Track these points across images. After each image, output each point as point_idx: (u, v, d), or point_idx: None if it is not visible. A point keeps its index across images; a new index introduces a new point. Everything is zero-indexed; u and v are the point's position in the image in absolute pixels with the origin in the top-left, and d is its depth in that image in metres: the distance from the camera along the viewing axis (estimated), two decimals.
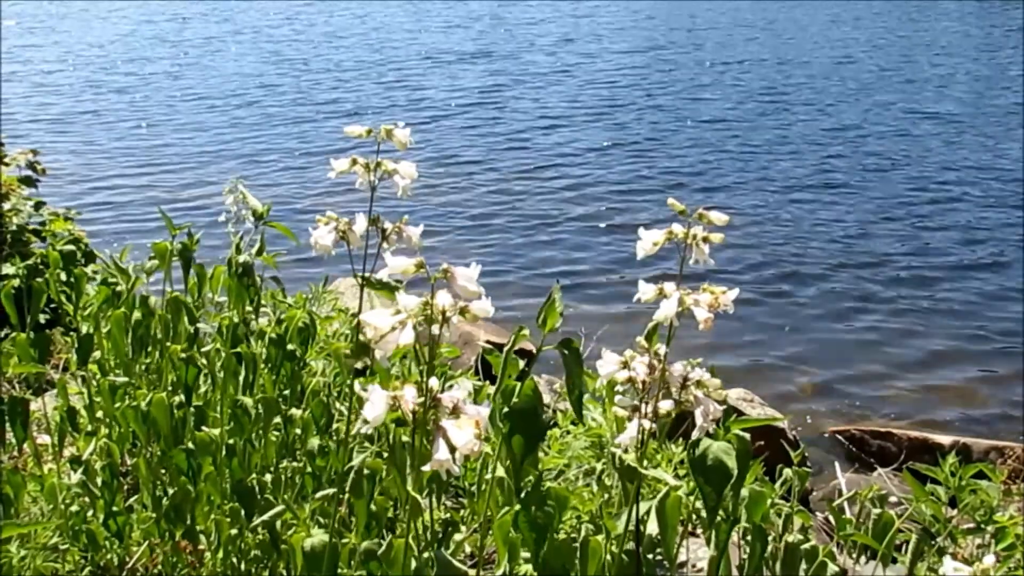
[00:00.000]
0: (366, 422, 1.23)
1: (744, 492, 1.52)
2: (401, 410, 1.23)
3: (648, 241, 1.36)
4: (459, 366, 4.02)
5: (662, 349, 1.38)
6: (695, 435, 1.34)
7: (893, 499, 2.68)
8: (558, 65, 13.39)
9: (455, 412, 1.22)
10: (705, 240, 1.35)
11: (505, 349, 1.34)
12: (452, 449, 1.19)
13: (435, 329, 1.23)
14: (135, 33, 16.45)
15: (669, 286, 1.33)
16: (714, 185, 8.25)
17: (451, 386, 1.31)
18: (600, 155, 9.11)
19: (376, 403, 1.22)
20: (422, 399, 1.24)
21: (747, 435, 1.35)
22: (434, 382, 1.24)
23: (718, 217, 1.35)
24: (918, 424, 4.72)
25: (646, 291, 1.34)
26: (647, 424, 1.39)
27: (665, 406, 1.38)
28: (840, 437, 4.64)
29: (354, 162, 1.75)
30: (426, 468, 1.21)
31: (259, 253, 1.92)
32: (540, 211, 7.66)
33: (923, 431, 4.54)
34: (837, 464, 4.14)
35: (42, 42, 15.51)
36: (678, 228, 1.35)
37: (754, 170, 8.61)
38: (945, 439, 4.34)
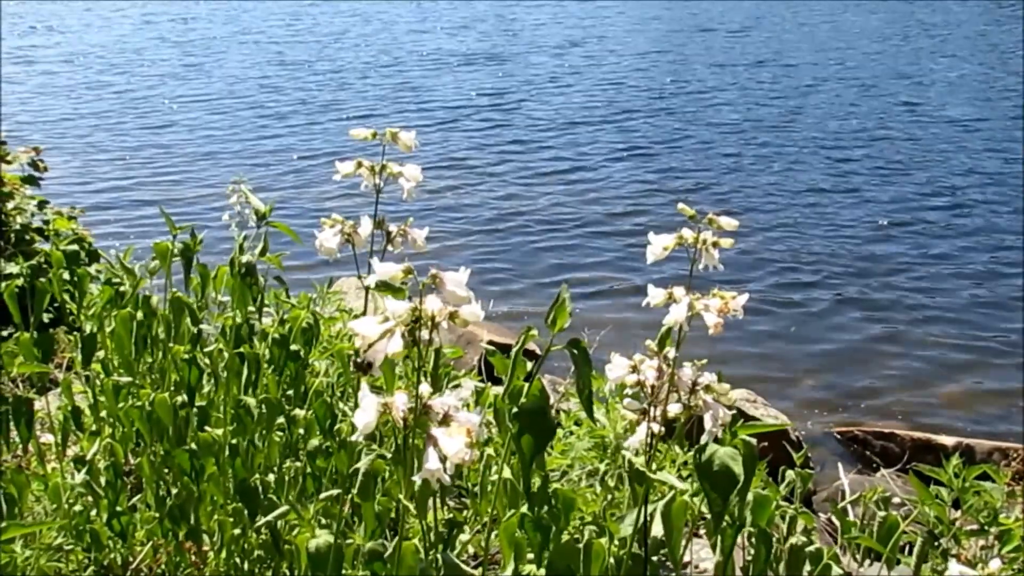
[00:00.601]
0: (357, 429, 1.23)
1: (749, 496, 1.52)
2: (392, 417, 1.23)
3: (658, 246, 1.36)
4: (462, 366, 4.03)
5: (671, 353, 1.37)
6: (704, 439, 1.34)
7: (896, 500, 2.67)
8: (565, 68, 13.35)
9: (446, 420, 1.21)
10: (715, 245, 1.35)
11: (514, 350, 1.34)
12: (443, 458, 1.18)
13: (425, 335, 1.23)
14: (138, 34, 16.45)
15: (679, 291, 1.33)
16: (724, 189, 8.24)
17: (457, 386, 1.31)
18: (609, 160, 9.09)
19: (366, 409, 1.22)
20: (413, 405, 1.23)
21: (753, 440, 1.35)
22: (425, 388, 1.23)
23: (727, 222, 1.35)
24: (921, 425, 4.71)
25: (655, 295, 1.34)
26: (655, 428, 1.39)
27: (674, 410, 1.37)
28: (843, 438, 4.64)
29: (359, 165, 1.76)
30: (416, 478, 1.20)
31: (263, 253, 1.92)
32: (548, 216, 7.65)
33: (926, 432, 4.53)
34: (840, 465, 4.14)
35: (44, 43, 15.51)
36: (688, 233, 1.35)
37: (764, 174, 8.60)
38: (948, 440, 4.34)
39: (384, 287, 1.39)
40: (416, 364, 1.26)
